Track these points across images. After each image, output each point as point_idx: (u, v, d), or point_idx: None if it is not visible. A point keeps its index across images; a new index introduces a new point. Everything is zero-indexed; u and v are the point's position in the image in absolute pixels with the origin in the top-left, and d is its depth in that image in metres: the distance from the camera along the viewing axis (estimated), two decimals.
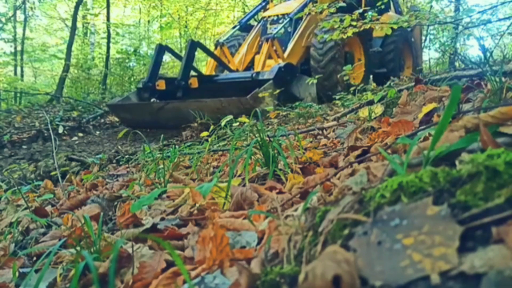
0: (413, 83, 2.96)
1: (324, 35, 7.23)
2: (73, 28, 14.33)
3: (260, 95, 6.01)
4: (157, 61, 7.26)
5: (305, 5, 7.73)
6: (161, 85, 7.01)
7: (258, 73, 6.69)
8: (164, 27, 20.51)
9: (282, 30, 8.01)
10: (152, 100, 6.91)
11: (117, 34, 18.96)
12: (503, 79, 1.67)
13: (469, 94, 1.86)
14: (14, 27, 17.69)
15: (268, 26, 8.31)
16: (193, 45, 7.21)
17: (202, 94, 6.58)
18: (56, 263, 1.07)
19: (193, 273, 0.75)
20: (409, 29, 9.27)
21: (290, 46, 7.70)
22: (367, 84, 7.79)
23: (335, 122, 3.03)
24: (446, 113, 0.64)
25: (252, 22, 9.17)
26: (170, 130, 6.03)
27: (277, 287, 0.54)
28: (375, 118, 2.47)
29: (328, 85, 7.78)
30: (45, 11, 20.10)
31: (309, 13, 7.26)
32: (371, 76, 9.86)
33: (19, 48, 17.75)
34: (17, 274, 1.08)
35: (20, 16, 17.87)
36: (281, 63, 6.82)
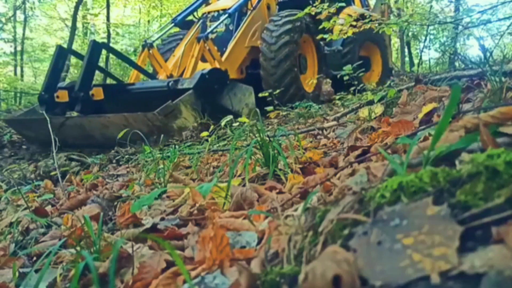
0: (413, 83, 2.96)
1: (279, 28, 6.55)
2: (73, 28, 14.34)
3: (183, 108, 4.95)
4: (57, 67, 5.79)
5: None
6: (62, 96, 5.53)
7: (176, 81, 5.47)
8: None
9: (223, 28, 6.99)
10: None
11: (117, 34, 18.97)
12: (503, 79, 1.67)
13: (469, 94, 1.86)
14: (14, 27, 17.70)
15: (208, 23, 7.18)
16: (96, 48, 5.82)
17: (113, 108, 5.35)
18: (56, 263, 1.07)
19: (193, 273, 0.75)
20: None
21: (229, 46, 6.61)
22: (319, 93, 7.27)
23: (335, 122, 3.03)
24: (446, 113, 0.64)
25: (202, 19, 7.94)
26: (98, 148, 4.89)
27: (277, 287, 0.54)
28: (375, 118, 2.47)
29: (280, 90, 6.55)
30: (45, 11, 20.10)
31: (254, 8, 6.92)
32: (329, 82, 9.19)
33: (19, 48, 17.76)
34: (17, 274, 1.08)
35: (20, 16, 17.88)
36: (206, 69, 5.66)
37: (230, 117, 3.70)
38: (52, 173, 3.39)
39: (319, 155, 1.72)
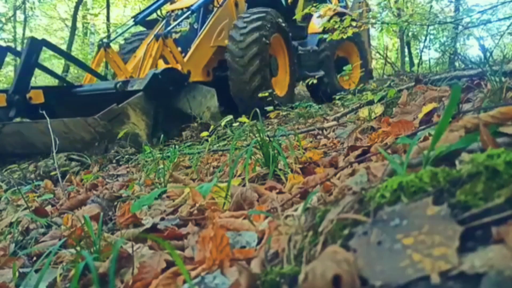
0: (413, 83, 2.96)
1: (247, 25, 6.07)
2: (73, 28, 14.34)
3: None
4: (28, 63, 4.99)
5: None
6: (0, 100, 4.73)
7: (126, 82, 4.89)
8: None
9: (187, 27, 6.51)
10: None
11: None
12: (503, 79, 1.67)
13: (469, 94, 1.86)
14: (14, 27, 17.70)
15: (172, 22, 6.61)
16: (34, 45, 5.07)
17: (64, 113, 4.72)
18: (56, 263, 1.07)
19: (193, 273, 0.75)
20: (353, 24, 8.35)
21: (193, 46, 6.06)
22: (292, 96, 6.85)
23: (335, 122, 3.03)
24: (446, 113, 0.64)
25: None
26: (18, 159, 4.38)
27: (277, 287, 0.54)
28: (375, 118, 2.47)
29: (248, 91, 6.17)
30: (45, 11, 20.10)
31: (220, 5, 6.43)
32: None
33: (19, 48, 17.74)
34: (17, 274, 1.08)
35: (20, 16, 17.88)
36: (158, 69, 5.11)
37: (230, 117, 3.70)
38: (52, 173, 3.39)
39: (319, 155, 1.72)
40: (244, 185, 1.33)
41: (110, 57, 5.74)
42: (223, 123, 3.57)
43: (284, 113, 4.93)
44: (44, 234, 1.49)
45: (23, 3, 16.69)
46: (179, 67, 5.58)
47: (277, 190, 1.30)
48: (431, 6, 14.43)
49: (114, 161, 3.86)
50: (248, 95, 6.20)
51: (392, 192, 0.55)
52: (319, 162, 1.63)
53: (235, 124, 3.65)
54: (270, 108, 5.03)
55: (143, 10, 7.30)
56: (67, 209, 1.80)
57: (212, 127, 3.71)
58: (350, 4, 10.04)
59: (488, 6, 4.81)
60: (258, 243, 0.85)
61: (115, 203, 1.79)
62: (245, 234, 0.90)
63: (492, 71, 1.76)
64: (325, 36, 7.61)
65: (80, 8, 15.97)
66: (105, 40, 5.99)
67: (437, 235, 0.45)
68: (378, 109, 2.57)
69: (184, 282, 0.74)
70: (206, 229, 0.96)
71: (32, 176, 3.53)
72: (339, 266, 0.45)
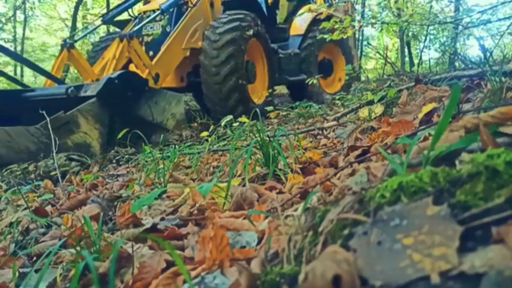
0: (413, 83, 2.96)
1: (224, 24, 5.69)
2: (73, 28, 14.34)
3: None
4: None
5: None
6: None
7: (79, 87, 4.48)
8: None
9: (160, 29, 6.09)
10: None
11: None
12: (503, 79, 1.67)
13: (469, 94, 1.86)
14: (14, 27, 17.72)
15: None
16: None
17: (20, 119, 4.38)
18: (56, 263, 1.07)
19: (193, 273, 0.75)
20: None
21: (163, 48, 5.61)
22: (272, 101, 6.39)
23: (335, 122, 3.03)
24: (446, 113, 0.64)
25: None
26: None
27: (277, 287, 0.54)
28: (375, 118, 2.47)
29: (221, 94, 5.71)
30: (45, 11, 20.11)
31: (194, 5, 6.03)
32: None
33: (19, 48, 17.76)
34: (17, 274, 1.08)
35: (20, 16, 17.89)
36: (115, 72, 4.67)
37: (230, 117, 3.70)
38: (52, 173, 3.38)
39: (319, 155, 1.72)
40: (244, 185, 1.33)
41: (74, 58, 5.25)
42: (223, 123, 3.56)
43: (284, 113, 4.93)
44: (44, 234, 1.49)
45: (23, 3, 16.70)
46: (146, 70, 5.20)
47: (277, 190, 1.30)
48: (431, 6, 14.43)
49: (114, 161, 3.87)
50: (221, 98, 5.77)
51: (392, 192, 0.55)
52: (319, 162, 1.63)
53: (235, 124, 3.65)
54: (270, 108, 5.03)
55: (112, 9, 6.75)
56: (67, 209, 1.80)
57: (212, 127, 3.71)
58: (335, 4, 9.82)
59: (488, 6, 4.81)
60: (258, 243, 0.85)
61: (115, 203, 1.79)
62: (245, 234, 0.90)
63: (492, 71, 1.76)
64: (309, 37, 7.42)
65: (80, 8, 15.97)
66: (68, 40, 5.47)
67: (437, 235, 0.45)
68: (378, 109, 2.57)
69: (184, 282, 0.74)
70: (206, 229, 0.97)
71: (32, 176, 3.53)
72: (339, 266, 0.45)
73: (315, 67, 7.62)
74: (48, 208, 2.01)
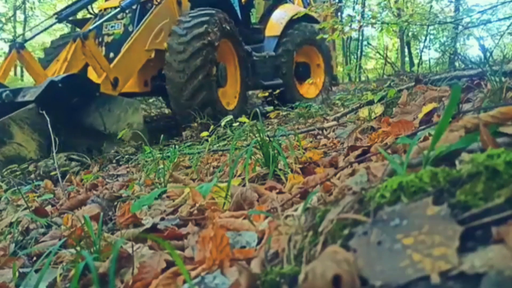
0: (413, 83, 2.96)
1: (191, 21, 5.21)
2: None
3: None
4: None
5: None
6: None
7: (16, 91, 4.00)
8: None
9: (121, 29, 5.56)
10: None
11: None
12: (503, 79, 1.67)
13: (469, 94, 1.86)
14: (14, 27, 17.72)
15: (104, 23, 5.64)
16: None
17: None
18: (56, 263, 1.07)
19: (193, 273, 0.75)
20: (315, 26, 7.20)
21: (123, 49, 5.05)
22: (245, 107, 5.98)
23: (335, 122, 3.03)
24: (446, 113, 0.64)
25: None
26: None
27: (277, 287, 0.54)
28: (375, 118, 2.47)
29: (186, 95, 5.18)
30: (45, 11, 20.10)
31: (159, 3, 5.56)
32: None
33: None
34: (17, 274, 1.08)
35: (20, 16, 17.88)
36: (60, 75, 4.17)
37: (230, 117, 3.69)
38: (52, 173, 3.38)
39: (319, 155, 1.72)
40: (244, 185, 1.33)
41: (25, 60, 4.74)
42: (223, 123, 3.56)
43: (284, 113, 4.93)
44: (44, 234, 1.49)
45: (23, 3, 16.70)
46: (103, 74, 4.70)
47: (277, 190, 1.30)
48: (431, 6, 14.43)
49: (114, 161, 3.87)
50: (187, 97, 5.21)
51: (392, 192, 0.55)
52: (319, 162, 1.63)
53: (235, 124, 3.65)
54: (270, 108, 5.02)
55: (68, 7, 5.97)
56: (67, 209, 1.80)
57: (212, 127, 3.70)
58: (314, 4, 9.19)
59: (488, 6, 4.81)
60: (258, 243, 0.85)
61: (115, 203, 1.79)
62: (245, 234, 0.90)
63: (492, 71, 1.76)
64: (285, 39, 6.94)
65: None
66: (18, 40, 5.03)
67: (437, 235, 0.45)
68: (378, 109, 2.57)
69: (184, 282, 0.74)
70: (206, 229, 0.97)
71: (32, 176, 3.53)
72: (339, 266, 0.45)
73: (291, 71, 7.21)
74: (48, 208, 2.01)
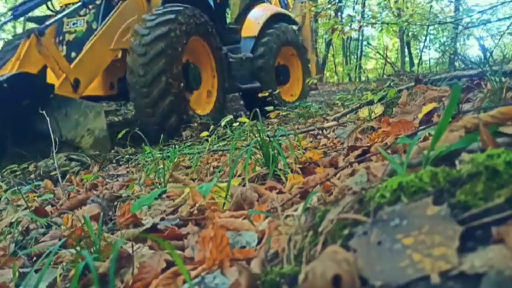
0: (413, 83, 2.96)
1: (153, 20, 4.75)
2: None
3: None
4: None
5: None
6: None
7: None
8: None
9: (84, 26, 5.11)
10: None
11: None
12: (503, 79, 1.67)
13: (469, 94, 1.86)
14: (14, 27, 17.70)
15: (65, 19, 5.16)
16: None
17: None
18: (56, 263, 1.07)
19: (193, 273, 0.75)
20: (294, 27, 7.14)
21: (85, 48, 4.64)
22: (221, 114, 5.43)
23: (335, 122, 3.03)
24: (446, 113, 0.64)
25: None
26: None
27: (277, 287, 0.54)
28: (375, 118, 2.47)
29: (150, 101, 4.71)
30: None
31: None
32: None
33: None
34: (17, 274, 1.08)
35: None
36: (6, 74, 3.78)
37: (230, 117, 3.69)
38: (52, 173, 3.38)
39: (319, 155, 1.72)
40: (244, 185, 1.33)
41: None
42: (223, 123, 3.56)
43: (284, 113, 4.93)
44: (44, 234, 1.49)
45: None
46: (62, 75, 4.27)
47: (277, 190, 1.30)
48: (431, 6, 14.42)
49: (114, 161, 3.86)
50: (150, 104, 4.72)
51: (392, 192, 0.55)
52: (319, 162, 1.63)
53: (235, 124, 3.65)
54: (270, 108, 5.01)
55: (24, 2, 5.30)
56: (67, 209, 1.80)
57: (211, 127, 3.70)
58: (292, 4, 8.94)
59: (488, 6, 4.81)
60: (258, 243, 0.85)
61: (115, 203, 1.79)
62: (245, 234, 0.90)
63: (492, 71, 1.76)
64: (264, 40, 6.52)
65: None
66: None
67: (437, 235, 0.45)
68: (378, 109, 2.57)
69: (184, 282, 0.74)
70: (206, 229, 0.97)
71: (32, 176, 3.53)
72: (339, 266, 0.45)
73: (273, 73, 6.87)
74: (48, 208, 2.01)
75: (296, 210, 0.84)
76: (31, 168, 3.68)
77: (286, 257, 0.60)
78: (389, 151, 1.17)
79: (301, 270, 0.50)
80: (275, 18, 6.99)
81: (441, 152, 0.69)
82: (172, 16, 4.90)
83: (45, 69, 4.43)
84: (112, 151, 4.08)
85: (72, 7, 4.90)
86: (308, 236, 0.60)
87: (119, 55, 5.01)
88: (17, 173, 3.55)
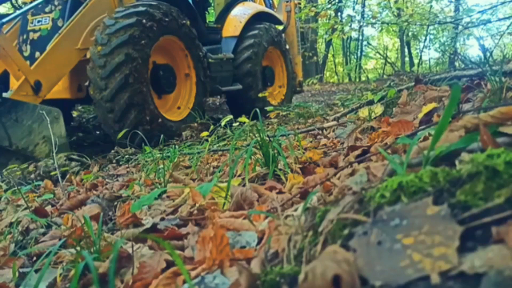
0: (413, 83, 2.96)
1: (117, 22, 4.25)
2: None
3: None
4: None
5: None
6: None
7: None
8: None
9: (49, 24, 4.67)
10: None
11: None
12: (503, 79, 1.67)
13: (469, 94, 1.86)
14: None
15: (29, 17, 4.79)
16: None
17: None
18: (56, 263, 1.08)
19: (193, 273, 0.75)
20: (280, 27, 6.90)
21: (48, 47, 4.29)
22: (202, 116, 5.05)
23: (335, 122, 3.03)
24: (446, 113, 0.64)
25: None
26: None
27: (277, 287, 0.54)
28: (375, 118, 2.47)
29: (114, 116, 4.27)
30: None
31: None
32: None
33: None
34: (17, 274, 1.08)
35: None
36: None
37: (230, 117, 3.69)
38: (52, 173, 3.38)
39: (319, 155, 1.72)
40: (244, 185, 1.33)
41: None
42: (223, 123, 3.56)
43: (284, 113, 4.93)
44: (44, 234, 1.49)
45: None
46: (22, 77, 3.95)
47: (277, 190, 1.30)
48: (431, 6, 14.42)
49: (114, 161, 3.86)
50: (115, 119, 4.28)
51: (392, 192, 0.55)
52: (319, 162, 1.63)
53: (235, 124, 3.65)
54: (270, 108, 5.01)
55: None
56: (67, 209, 1.80)
57: (211, 127, 3.70)
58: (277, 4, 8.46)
59: (488, 6, 4.81)
60: (258, 243, 0.85)
61: (115, 203, 1.79)
62: (245, 234, 0.90)
63: (492, 71, 1.76)
64: (249, 41, 6.16)
65: None
66: None
67: (437, 235, 0.45)
68: (378, 109, 2.57)
69: (184, 282, 0.74)
70: (206, 229, 0.97)
71: (32, 176, 3.53)
72: (339, 266, 0.45)
73: (259, 74, 6.46)
74: (48, 208, 2.01)
75: (296, 210, 0.84)
76: (31, 168, 3.68)
77: (286, 257, 0.60)
78: (389, 151, 1.17)
79: (301, 270, 0.50)
80: (259, 17, 6.68)
81: (441, 152, 0.69)
82: (133, 19, 4.34)
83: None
84: (112, 151, 4.08)
85: (33, 3, 4.52)
86: (308, 236, 0.60)
87: (88, 55, 4.49)
88: (17, 173, 3.55)
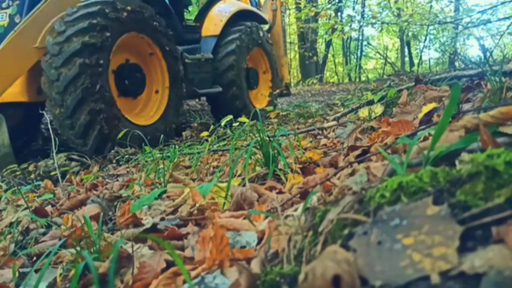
0: (413, 83, 2.96)
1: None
2: None
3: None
4: None
5: None
6: None
7: None
8: None
9: (6, 20, 4.33)
10: None
11: None
12: (503, 79, 1.67)
13: (469, 94, 1.86)
14: None
15: None
16: None
17: None
18: (56, 263, 1.08)
19: (193, 273, 0.75)
20: (264, 27, 6.59)
21: (2, 45, 3.91)
22: (176, 120, 4.85)
23: (335, 122, 3.03)
24: (446, 113, 0.64)
25: None
26: None
27: (277, 287, 0.54)
28: (375, 118, 2.47)
29: (76, 133, 3.98)
30: None
31: None
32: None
33: None
34: (17, 274, 1.08)
35: None
36: None
37: (230, 117, 3.69)
38: (52, 173, 3.38)
39: (319, 155, 1.72)
40: (244, 185, 1.33)
41: None
42: (223, 123, 3.56)
43: (284, 113, 4.93)
44: (44, 234, 1.49)
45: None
46: None
47: (277, 190, 1.30)
48: (431, 6, 14.42)
49: (114, 161, 3.86)
50: (77, 135, 3.98)
51: (392, 192, 0.55)
52: (319, 162, 1.63)
53: (235, 124, 3.65)
54: (270, 108, 5.00)
55: None
56: (67, 209, 1.80)
57: (211, 127, 3.69)
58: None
59: (488, 6, 4.81)
60: (258, 243, 0.85)
61: (115, 203, 1.79)
62: (245, 234, 0.90)
63: (492, 71, 1.76)
64: (231, 40, 5.75)
65: None
66: None
67: (437, 235, 0.45)
68: (378, 109, 2.57)
69: (184, 282, 0.74)
70: (206, 229, 0.96)
71: (32, 176, 3.53)
72: (339, 266, 0.45)
73: (243, 76, 6.13)
74: (48, 208, 2.01)
75: (296, 210, 0.84)
76: (31, 168, 3.68)
77: (286, 257, 0.60)
78: (389, 151, 1.17)
79: (301, 270, 0.50)
80: (242, 16, 6.29)
81: (441, 152, 0.69)
82: (85, 23, 3.95)
83: None
84: (112, 151, 4.08)
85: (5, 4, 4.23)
86: (308, 236, 0.60)
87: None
88: (17, 173, 3.55)
